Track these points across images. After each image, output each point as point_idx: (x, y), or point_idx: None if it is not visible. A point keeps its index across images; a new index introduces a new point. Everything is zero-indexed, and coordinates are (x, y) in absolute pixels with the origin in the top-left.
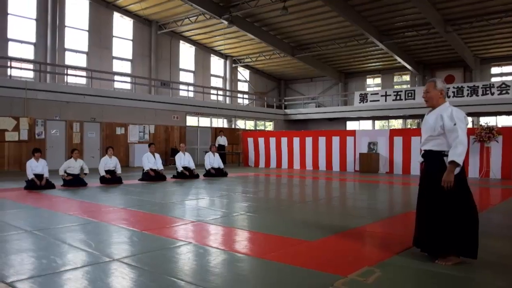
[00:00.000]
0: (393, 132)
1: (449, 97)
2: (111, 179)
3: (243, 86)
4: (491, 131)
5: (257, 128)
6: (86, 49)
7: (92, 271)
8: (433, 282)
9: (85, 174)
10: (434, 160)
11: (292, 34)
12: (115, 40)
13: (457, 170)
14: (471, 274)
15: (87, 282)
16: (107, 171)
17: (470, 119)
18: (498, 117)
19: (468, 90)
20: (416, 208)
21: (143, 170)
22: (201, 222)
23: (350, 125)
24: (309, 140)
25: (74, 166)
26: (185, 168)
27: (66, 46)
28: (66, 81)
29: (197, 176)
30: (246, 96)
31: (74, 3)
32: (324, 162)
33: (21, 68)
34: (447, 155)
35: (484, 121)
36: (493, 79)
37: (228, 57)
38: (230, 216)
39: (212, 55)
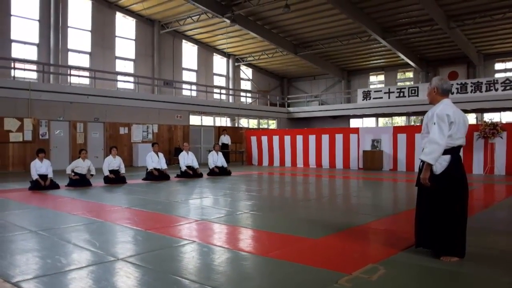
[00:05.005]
0: (397, 129)
1: (452, 93)
2: (115, 179)
3: (246, 85)
4: (495, 127)
5: (260, 126)
6: (89, 50)
7: (96, 270)
8: (437, 278)
9: (92, 175)
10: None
11: (295, 32)
12: (118, 40)
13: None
14: (476, 271)
15: (92, 281)
16: (111, 171)
17: (472, 115)
18: (502, 113)
19: (471, 86)
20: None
21: (147, 169)
22: (205, 221)
23: (354, 123)
24: (312, 138)
25: (82, 166)
26: (188, 167)
27: (69, 46)
28: (69, 81)
29: (200, 175)
30: (249, 94)
31: (77, 3)
32: (328, 159)
33: (24, 69)
34: None
35: (488, 117)
36: (497, 75)
37: (230, 56)
38: (234, 214)
39: (214, 54)
